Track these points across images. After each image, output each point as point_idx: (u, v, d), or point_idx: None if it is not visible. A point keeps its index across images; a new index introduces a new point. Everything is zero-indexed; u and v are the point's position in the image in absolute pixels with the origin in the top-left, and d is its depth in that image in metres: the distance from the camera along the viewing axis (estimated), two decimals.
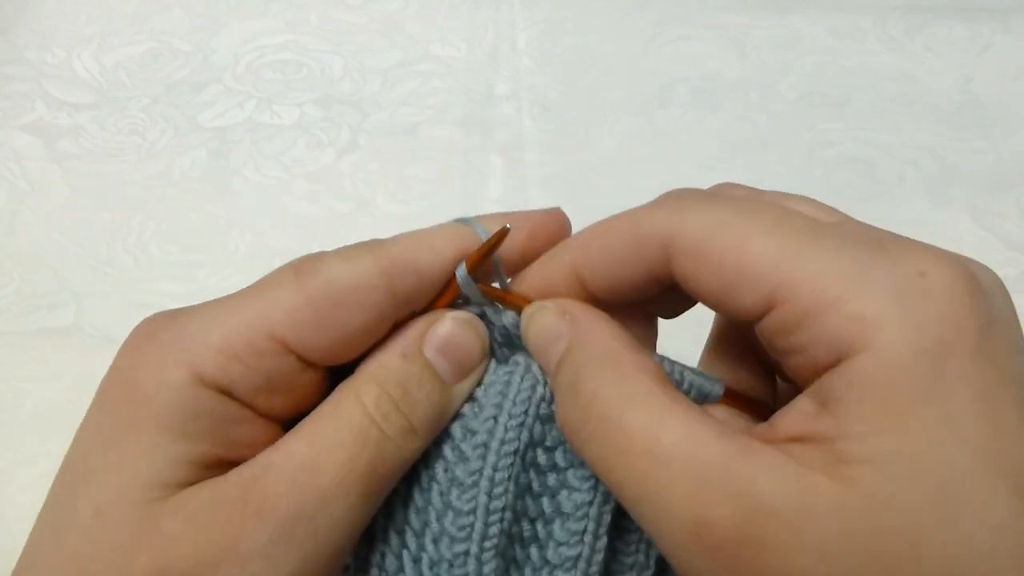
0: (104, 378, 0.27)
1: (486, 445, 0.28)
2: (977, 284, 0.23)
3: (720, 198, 0.27)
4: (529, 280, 0.30)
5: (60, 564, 0.25)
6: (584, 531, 0.28)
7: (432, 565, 0.28)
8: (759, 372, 0.31)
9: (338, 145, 0.74)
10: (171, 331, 0.27)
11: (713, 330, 0.33)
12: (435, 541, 0.28)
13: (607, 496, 0.28)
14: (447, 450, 0.29)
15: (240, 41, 0.83)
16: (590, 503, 0.28)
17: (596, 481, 0.28)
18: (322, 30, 0.85)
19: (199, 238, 0.68)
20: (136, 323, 0.28)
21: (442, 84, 0.79)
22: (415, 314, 0.30)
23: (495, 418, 0.28)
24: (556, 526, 0.28)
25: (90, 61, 0.81)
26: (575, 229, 0.31)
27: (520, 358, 0.29)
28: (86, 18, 0.85)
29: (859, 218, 0.27)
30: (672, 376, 0.28)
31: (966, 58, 0.81)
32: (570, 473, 0.29)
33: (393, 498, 0.29)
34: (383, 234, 0.30)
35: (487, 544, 0.27)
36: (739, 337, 0.31)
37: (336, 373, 0.29)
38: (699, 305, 0.32)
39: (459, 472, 0.28)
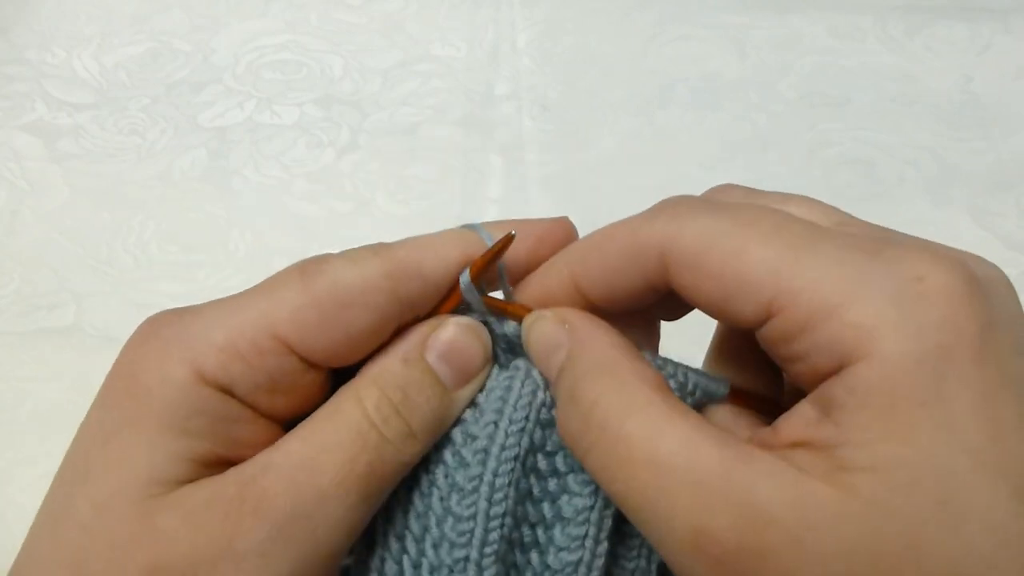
0: (108, 374, 0.27)
1: (486, 450, 0.28)
2: (977, 284, 0.23)
3: (717, 206, 0.27)
4: (529, 289, 0.30)
5: (58, 559, 0.25)
6: (585, 536, 0.28)
7: (432, 570, 0.28)
8: (764, 372, 0.31)
9: (338, 145, 0.74)
10: (175, 329, 0.27)
11: (717, 331, 0.33)
12: (435, 546, 0.28)
13: (608, 501, 0.28)
14: (448, 455, 0.28)
15: (240, 41, 0.83)
16: (591, 508, 0.28)
17: (597, 486, 0.28)
18: (322, 30, 0.84)
19: (199, 238, 0.68)
20: (136, 323, 0.28)
21: (442, 84, 0.79)
22: (419, 319, 0.30)
23: (496, 423, 0.28)
24: (557, 531, 0.28)
25: (90, 61, 0.81)
26: (576, 230, 0.31)
27: (521, 363, 0.29)
28: (86, 18, 0.85)
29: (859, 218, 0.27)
30: (676, 378, 0.28)
31: (966, 58, 0.81)
32: (571, 478, 0.28)
33: (393, 503, 0.29)
34: (383, 234, 0.30)
35: (487, 550, 0.27)
36: (742, 339, 0.31)
37: (339, 376, 0.29)
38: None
39: (459, 477, 0.28)
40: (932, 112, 0.77)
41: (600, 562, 0.28)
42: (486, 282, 0.30)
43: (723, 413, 0.29)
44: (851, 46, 0.83)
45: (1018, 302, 0.24)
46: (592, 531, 0.28)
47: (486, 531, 0.27)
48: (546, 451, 0.29)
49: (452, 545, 0.28)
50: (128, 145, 0.74)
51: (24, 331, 0.61)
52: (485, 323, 0.30)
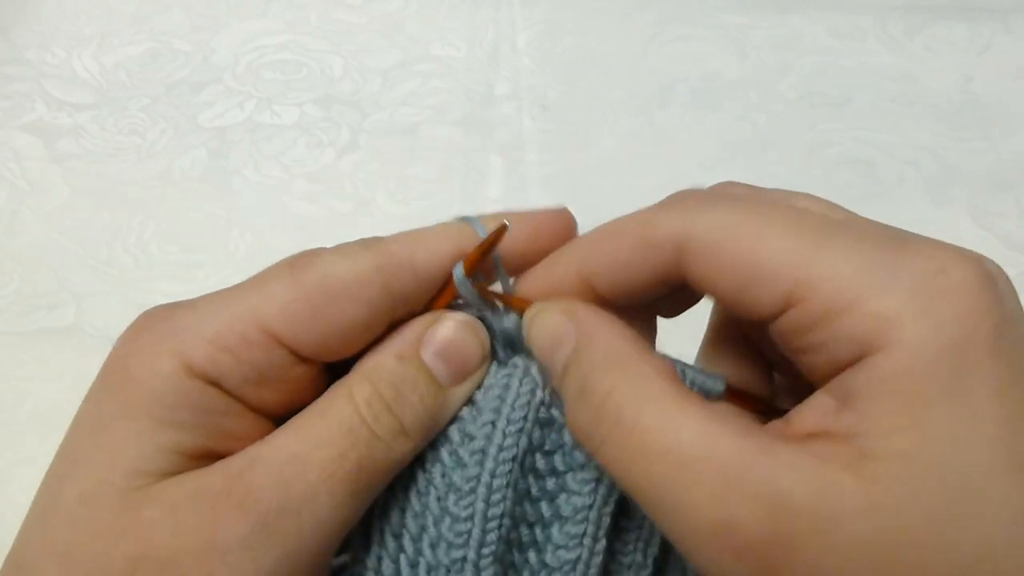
0: (102, 366, 0.28)
1: (484, 451, 0.28)
2: (993, 281, 0.23)
3: (731, 197, 0.27)
4: (532, 282, 0.30)
5: (47, 550, 0.25)
6: (583, 534, 0.28)
7: (430, 570, 0.28)
8: (755, 368, 0.31)
9: (338, 145, 0.74)
10: (167, 322, 0.27)
11: (709, 328, 0.33)
12: (433, 546, 0.28)
13: (607, 499, 0.28)
14: (445, 454, 0.28)
15: (240, 41, 0.83)
16: (590, 507, 0.28)
17: (596, 484, 0.28)
18: (322, 30, 0.84)
19: (199, 238, 0.68)
20: None
21: (442, 84, 0.79)
22: (414, 313, 0.30)
23: (493, 423, 0.28)
24: (555, 530, 0.28)
25: (90, 61, 0.81)
26: (575, 220, 0.31)
27: (519, 360, 0.29)
28: (86, 18, 0.85)
29: None
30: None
31: (966, 58, 0.81)
32: (569, 477, 0.28)
33: (391, 501, 0.28)
34: (383, 234, 0.30)
35: (485, 551, 0.27)
36: (736, 333, 0.31)
37: (335, 372, 0.29)
38: (696, 303, 0.32)
39: (456, 478, 0.28)
40: (932, 112, 0.77)
41: (598, 560, 0.28)
42: (483, 275, 0.30)
43: (721, 409, 0.29)
44: (851, 46, 0.83)
45: (1020, 303, 0.24)
46: (591, 529, 0.28)
47: (483, 532, 0.27)
48: (545, 450, 0.28)
49: (450, 545, 0.27)
50: (128, 145, 0.74)
51: (24, 331, 0.61)
52: (482, 318, 0.30)
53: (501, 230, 0.29)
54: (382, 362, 0.28)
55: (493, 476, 0.27)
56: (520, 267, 0.30)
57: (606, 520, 0.28)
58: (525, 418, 0.28)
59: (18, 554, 0.26)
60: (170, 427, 0.26)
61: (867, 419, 0.22)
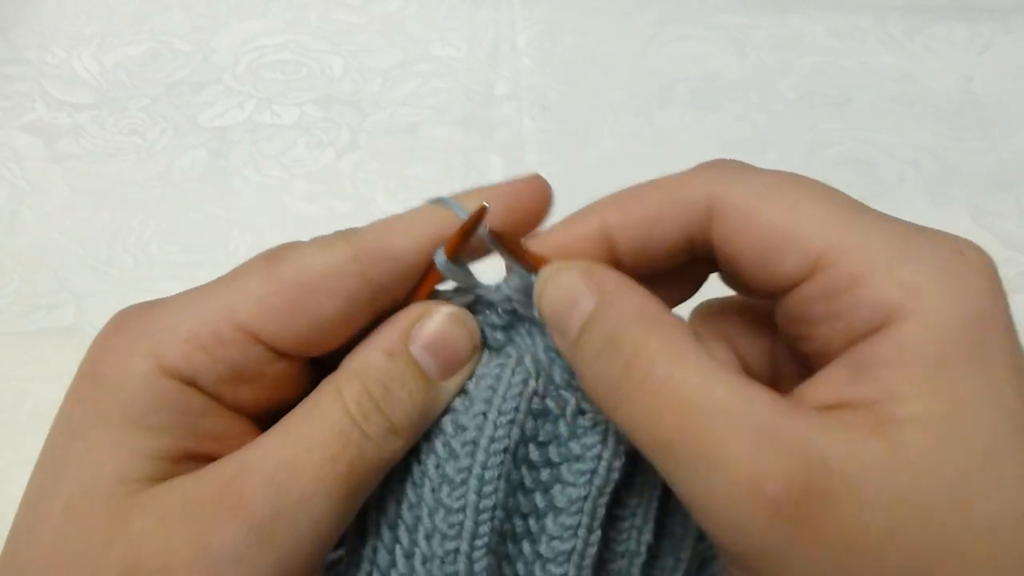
0: (77, 369, 0.27)
1: (475, 442, 0.27)
2: (996, 268, 0.24)
3: (763, 169, 0.28)
4: (550, 241, 0.29)
5: (34, 561, 0.25)
6: (578, 525, 0.28)
7: (425, 561, 0.28)
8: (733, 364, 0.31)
9: (338, 145, 0.74)
10: (142, 322, 0.27)
11: (702, 308, 0.32)
12: (427, 537, 0.28)
13: (602, 490, 0.28)
14: (439, 445, 0.28)
15: (240, 41, 0.83)
16: (585, 498, 0.28)
17: (591, 475, 0.28)
18: (322, 30, 0.84)
19: (199, 238, 0.68)
20: None
21: (442, 84, 0.79)
22: (397, 302, 0.29)
23: (484, 414, 0.28)
24: (549, 520, 0.28)
25: (90, 61, 0.81)
26: (550, 187, 0.30)
27: (512, 350, 0.29)
28: (86, 18, 0.85)
29: None
30: None
31: (966, 58, 0.81)
32: (564, 468, 0.28)
33: (386, 492, 0.28)
34: None
35: (478, 543, 0.27)
36: (716, 331, 0.31)
37: (322, 367, 0.28)
38: (691, 295, 0.32)
39: (449, 469, 0.28)
40: (932, 112, 0.77)
41: (592, 550, 0.28)
42: (464, 257, 0.29)
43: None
44: (851, 46, 0.83)
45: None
46: (585, 520, 0.28)
47: (476, 524, 0.27)
48: (539, 441, 0.28)
49: (443, 536, 0.27)
50: (128, 145, 0.74)
51: (24, 331, 0.62)
52: (475, 302, 0.29)
53: (482, 211, 0.28)
54: (370, 359, 0.28)
55: (485, 468, 0.27)
56: (502, 240, 0.29)
57: (601, 511, 0.28)
58: (517, 409, 0.28)
59: (4, 566, 0.26)
60: (147, 431, 0.25)
61: (888, 386, 0.23)
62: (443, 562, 0.27)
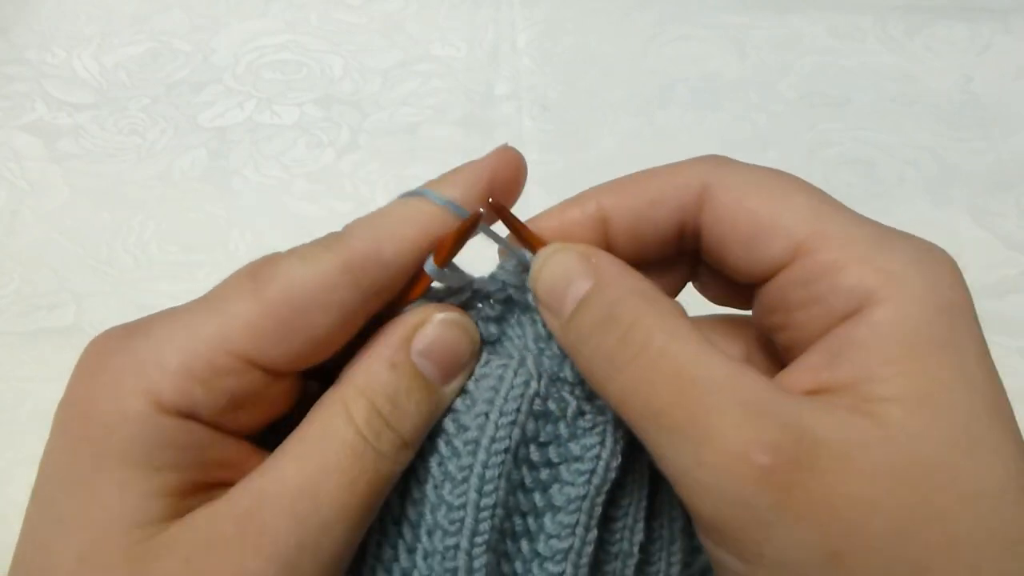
0: (59, 407, 0.26)
1: (477, 442, 0.28)
2: (960, 271, 0.26)
3: (754, 165, 0.29)
4: (545, 224, 0.30)
5: None
6: (576, 524, 0.28)
7: (426, 556, 0.28)
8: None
9: (338, 145, 0.74)
10: (125, 355, 0.25)
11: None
12: (429, 533, 0.28)
13: (599, 489, 0.28)
14: (441, 444, 0.28)
15: (240, 41, 0.83)
16: (583, 497, 0.28)
17: (590, 475, 0.28)
18: (322, 30, 0.84)
19: (199, 238, 0.68)
20: None
21: (442, 84, 0.79)
22: (390, 305, 0.29)
23: (486, 415, 0.28)
24: (547, 519, 0.29)
25: (90, 61, 0.81)
26: (522, 155, 0.30)
27: (513, 351, 0.29)
28: (86, 18, 0.85)
29: None
30: None
31: (966, 58, 0.81)
32: (563, 468, 0.29)
33: (391, 490, 0.29)
34: None
35: (478, 539, 0.27)
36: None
37: (312, 371, 0.28)
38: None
39: (451, 467, 0.28)
40: (932, 112, 0.77)
41: (589, 549, 0.28)
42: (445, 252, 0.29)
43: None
44: (851, 46, 0.83)
45: None
46: (583, 519, 0.28)
47: (476, 521, 0.27)
48: (539, 442, 0.29)
49: (444, 533, 0.28)
50: (128, 145, 0.74)
51: (24, 331, 0.62)
52: (471, 298, 0.30)
53: (475, 218, 0.28)
54: (375, 373, 0.27)
55: (486, 467, 0.28)
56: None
57: (598, 510, 0.28)
58: (518, 410, 0.28)
59: None
60: (153, 471, 0.25)
61: (866, 367, 0.24)
62: (444, 558, 0.28)
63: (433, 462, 0.28)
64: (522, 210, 0.30)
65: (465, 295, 0.30)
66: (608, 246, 0.29)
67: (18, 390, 0.58)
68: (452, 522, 0.27)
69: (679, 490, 0.24)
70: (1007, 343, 0.60)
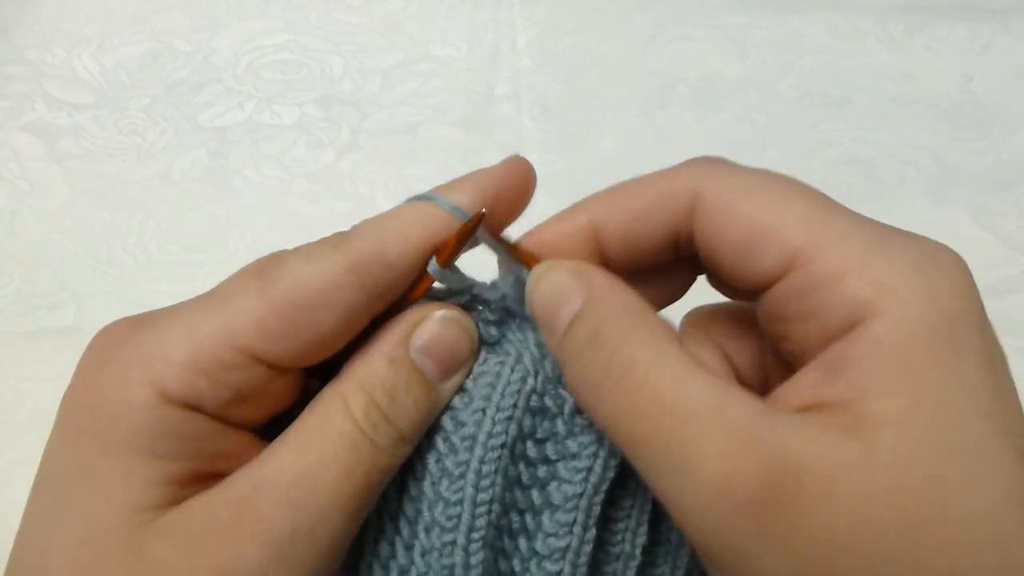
0: (65, 396, 0.26)
1: (474, 437, 0.28)
2: (970, 271, 0.25)
3: (747, 167, 0.28)
4: (539, 238, 0.29)
5: None
6: (574, 523, 0.28)
7: (424, 553, 0.28)
8: (723, 372, 0.31)
9: (338, 145, 0.74)
10: (131, 347, 0.26)
11: (680, 330, 0.33)
12: (427, 530, 0.28)
13: (597, 488, 0.28)
14: (439, 441, 0.28)
15: (240, 41, 0.83)
16: (580, 495, 0.28)
17: (587, 473, 0.28)
18: (322, 30, 0.84)
19: (199, 238, 0.68)
20: None
21: (442, 84, 0.79)
22: (393, 306, 0.29)
23: (483, 411, 0.28)
24: (545, 517, 0.29)
25: (90, 61, 0.81)
26: (531, 166, 0.30)
27: (511, 349, 0.29)
28: (86, 18, 0.85)
29: None
30: None
31: (966, 58, 0.81)
32: (560, 465, 0.28)
33: (388, 486, 0.29)
34: None
35: (474, 535, 0.27)
36: (706, 333, 0.31)
37: (314, 368, 0.28)
38: (680, 297, 0.32)
39: (449, 463, 0.28)
40: (932, 112, 0.77)
41: (587, 548, 0.28)
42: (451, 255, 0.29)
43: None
44: (851, 46, 0.83)
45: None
46: (581, 517, 0.28)
47: (473, 516, 0.27)
48: (536, 438, 0.29)
49: (441, 529, 0.28)
50: (128, 145, 0.74)
51: (24, 331, 0.62)
52: (470, 301, 0.30)
53: (477, 218, 0.28)
54: (374, 368, 0.27)
55: (482, 462, 0.28)
56: (495, 225, 0.30)
57: (596, 509, 0.28)
58: (515, 406, 0.28)
59: None
60: (155, 459, 0.25)
61: (861, 384, 0.23)
62: (440, 554, 0.28)
63: (431, 459, 0.28)
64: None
65: (465, 298, 0.30)
66: (602, 259, 0.29)
67: (18, 390, 0.58)
68: (449, 518, 0.28)
69: (670, 514, 0.24)
70: (1007, 343, 0.60)
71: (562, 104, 0.78)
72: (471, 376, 0.29)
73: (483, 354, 0.29)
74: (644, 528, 0.29)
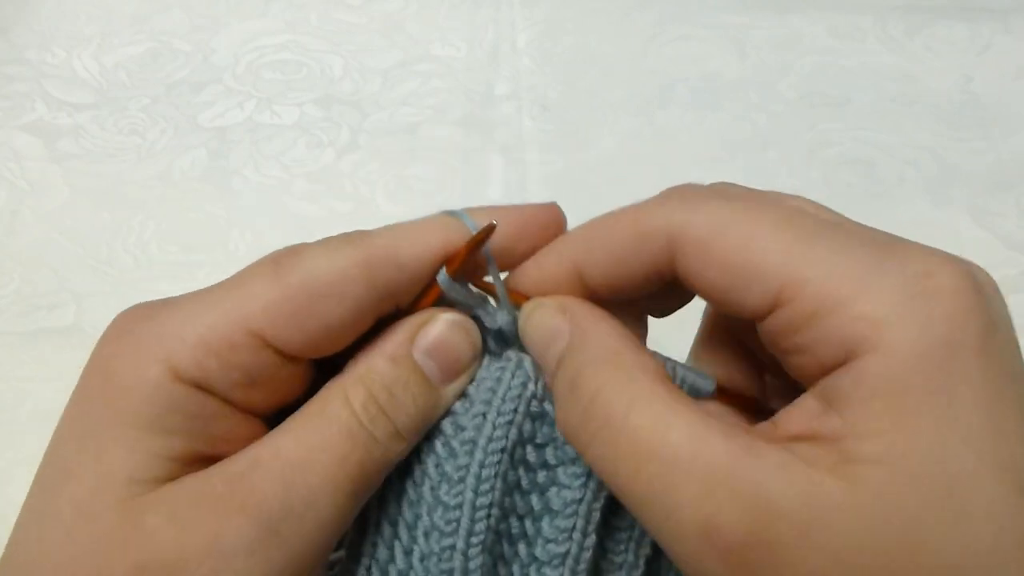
0: (84, 369, 0.27)
1: (474, 442, 0.28)
2: (979, 285, 0.23)
3: (726, 194, 0.27)
4: (526, 276, 0.30)
5: (44, 560, 0.25)
6: (573, 528, 0.28)
7: (423, 558, 0.28)
8: (747, 368, 0.31)
9: (338, 145, 0.74)
10: (149, 325, 0.27)
11: (702, 327, 0.33)
12: (426, 534, 0.28)
13: (597, 494, 0.28)
14: (439, 445, 0.29)
15: (240, 41, 0.83)
16: (580, 501, 0.28)
17: (587, 479, 0.28)
18: (322, 30, 0.84)
19: (199, 238, 0.68)
20: None
21: (442, 84, 0.79)
22: (402, 311, 0.29)
23: (484, 415, 0.28)
24: (545, 523, 0.28)
25: (90, 61, 0.81)
26: (564, 215, 0.31)
27: (512, 353, 0.29)
28: (86, 18, 0.85)
29: (859, 218, 0.27)
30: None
31: (966, 58, 0.81)
32: (560, 470, 0.28)
33: (387, 491, 0.29)
34: None
35: (473, 540, 0.28)
36: (728, 333, 0.31)
37: (323, 366, 0.29)
38: (687, 303, 0.32)
39: (448, 468, 0.28)
40: (932, 112, 0.77)
41: (587, 555, 0.28)
42: (469, 271, 0.30)
43: (710, 410, 0.28)
44: (851, 46, 0.82)
45: (1007, 309, 0.24)
46: (580, 524, 0.28)
47: (472, 521, 0.28)
48: (536, 443, 0.29)
49: (441, 533, 0.28)
50: (128, 145, 0.74)
51: (24, 331, 0.62)
52: (474, 317, 0.30)
53: (490, 228, 0.29)
54: (375, 364, 0.28)
55: (482, 466, 0.28)
56: (508, 262, 0.30)
57: (596, 515, 0.28)
58: (515, 411, 0.28)
59: (9, 568, 0.26)
60: (160, 433, 0.26)
61: (851, 422, 0.22)
62: (439, 559, 0.28)
63: (431, 464, 0.28)
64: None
65: (471, 311, 0.30)
66: (589, 293, 0.29)
67: (18, 390, 0.58)
68: (448, 523, 0.28)
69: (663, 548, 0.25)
70: None
71: (562, 104, 0.78)
72: (473, 382, 0.29)
73: (486, 360, 0.30)
74: (648, 538, 0.29)
